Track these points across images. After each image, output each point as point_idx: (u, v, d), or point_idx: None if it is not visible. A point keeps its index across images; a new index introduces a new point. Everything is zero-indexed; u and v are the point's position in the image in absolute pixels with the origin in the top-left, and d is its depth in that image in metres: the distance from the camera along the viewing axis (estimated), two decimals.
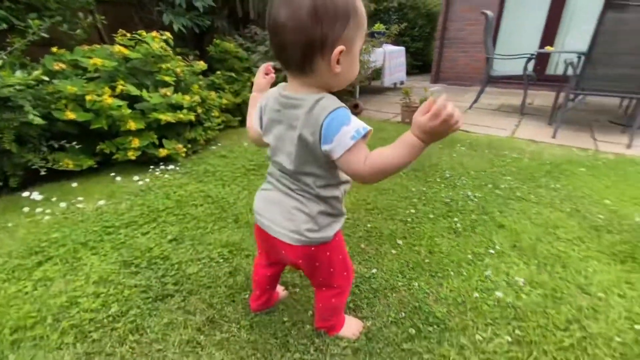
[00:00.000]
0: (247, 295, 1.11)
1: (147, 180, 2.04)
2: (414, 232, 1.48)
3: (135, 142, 2.09)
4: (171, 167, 2.24)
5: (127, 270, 1.23)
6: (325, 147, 0.64)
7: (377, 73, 5.43)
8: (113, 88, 2.07)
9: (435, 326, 1.00)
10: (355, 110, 4.02)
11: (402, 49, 5.60)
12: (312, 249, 0.76)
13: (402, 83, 5.78)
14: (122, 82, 2.08)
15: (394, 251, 1.36)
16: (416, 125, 0.58)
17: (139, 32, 2.26)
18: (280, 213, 0.76)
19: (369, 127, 0.63)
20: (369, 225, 1.54)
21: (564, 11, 5.32)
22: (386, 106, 4.52)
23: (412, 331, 0.98)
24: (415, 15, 7.85)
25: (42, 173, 1.81)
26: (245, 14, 4.41)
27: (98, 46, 2.29)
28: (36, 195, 1.79)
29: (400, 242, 1.42)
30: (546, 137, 3.01)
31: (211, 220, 1.61)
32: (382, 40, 5.12)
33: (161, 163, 2.29)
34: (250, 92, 0.90)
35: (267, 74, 0.89)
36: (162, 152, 2.18)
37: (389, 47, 5.25)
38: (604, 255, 1.34)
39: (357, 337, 0.95)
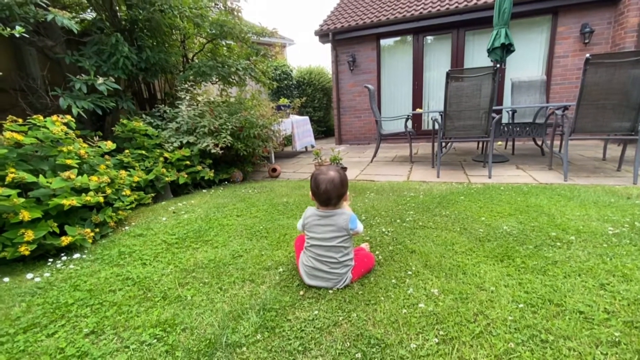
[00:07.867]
0: None
1: (47, 275, 1.76)
2: None
3: (30, 235, 1.83)
4: (76, 256, 1.99)
5: None
6: (352, 228, 1.45)
7: (288, 140, 5.96)
8: (0, 177, 1.85)
9: (377, 347, 1.10)
10: (274, 173, 4.24)
11: (306, 118, 6.32)
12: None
13: (312, 146, 6.38)
14: (12, 169, 1.87)
15: (330, 291, 1.46)
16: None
17: (35, 117, 2.13)
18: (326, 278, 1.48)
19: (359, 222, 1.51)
20: None
21: (423, 83, 6.90)
22: (302, 167, 4.90)
23: (359, 356, 1.06)
24: (313, 90, 9.05)
25: None
26: (151, 95, 4.49)
27: None
28: None
29: None
30: (432, 178, 3.69)
31: (135, 302, 1.47)
32: (288, 112, 5.74)
33: (62, 254, 2.02)
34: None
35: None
36: (65, 241, 1.94)
37: (295, 117, 5.88)
38: (488, 258, 1.69)
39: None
